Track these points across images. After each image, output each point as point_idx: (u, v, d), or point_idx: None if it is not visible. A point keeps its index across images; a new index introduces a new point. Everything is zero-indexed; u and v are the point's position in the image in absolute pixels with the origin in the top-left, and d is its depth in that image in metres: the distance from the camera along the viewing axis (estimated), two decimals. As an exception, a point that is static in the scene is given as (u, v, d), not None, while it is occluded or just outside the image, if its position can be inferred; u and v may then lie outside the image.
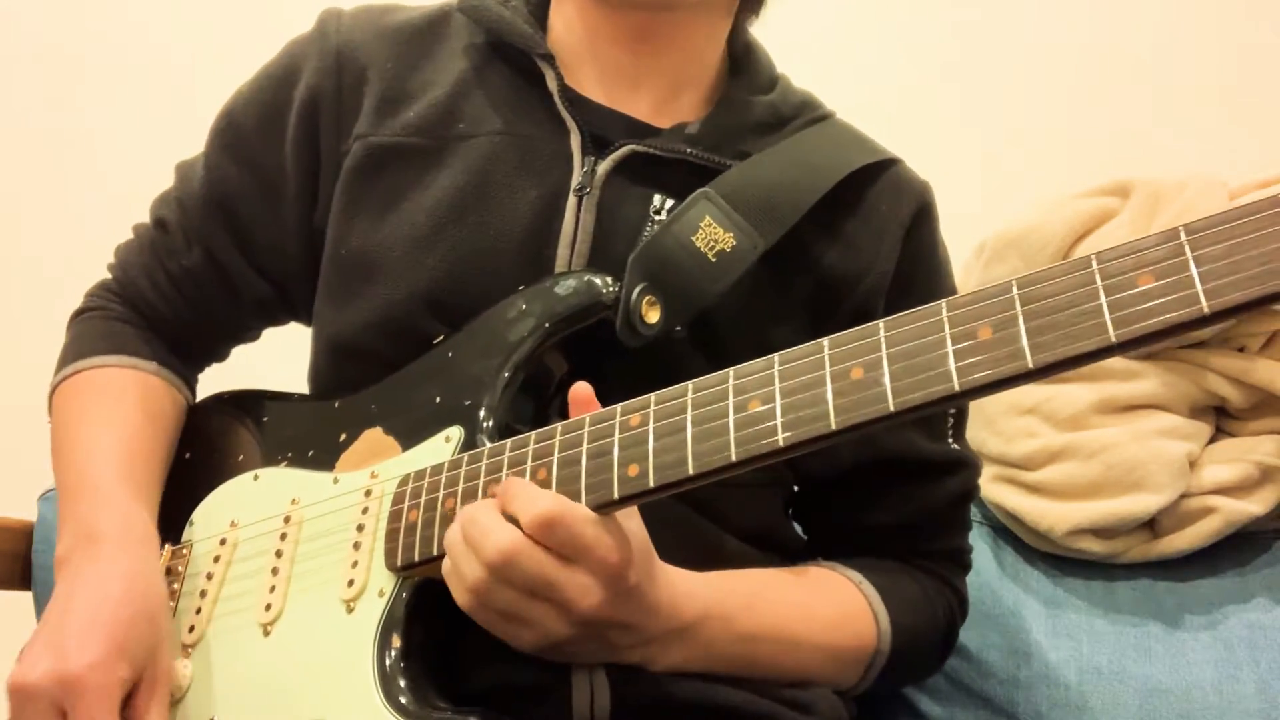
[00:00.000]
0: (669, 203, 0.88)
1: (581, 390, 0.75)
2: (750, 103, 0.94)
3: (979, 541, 1.23)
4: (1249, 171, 1.20)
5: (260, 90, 0.99)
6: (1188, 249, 0.55)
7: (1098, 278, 0.57)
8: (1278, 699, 1.05)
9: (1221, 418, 1.22)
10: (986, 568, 1.21)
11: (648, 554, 0.73)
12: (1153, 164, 1.28)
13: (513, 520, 0.69)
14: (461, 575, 0.71)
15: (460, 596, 0.72)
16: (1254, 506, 1.15)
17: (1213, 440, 1.21)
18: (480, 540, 0.69)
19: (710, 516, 0.87)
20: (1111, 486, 1.16)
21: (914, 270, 0.94)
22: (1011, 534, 1.24)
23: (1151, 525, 1.18)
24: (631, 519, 0.72)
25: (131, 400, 0.97)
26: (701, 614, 0.78)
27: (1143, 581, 1.17)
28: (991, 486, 1.25)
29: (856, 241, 0.92)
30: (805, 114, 0.97)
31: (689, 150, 0.89)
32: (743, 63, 0.98)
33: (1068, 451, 1.20)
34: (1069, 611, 1.16)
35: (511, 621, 0.72)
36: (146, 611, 0.81)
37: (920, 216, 0.95)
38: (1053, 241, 1.24)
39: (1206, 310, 0.53)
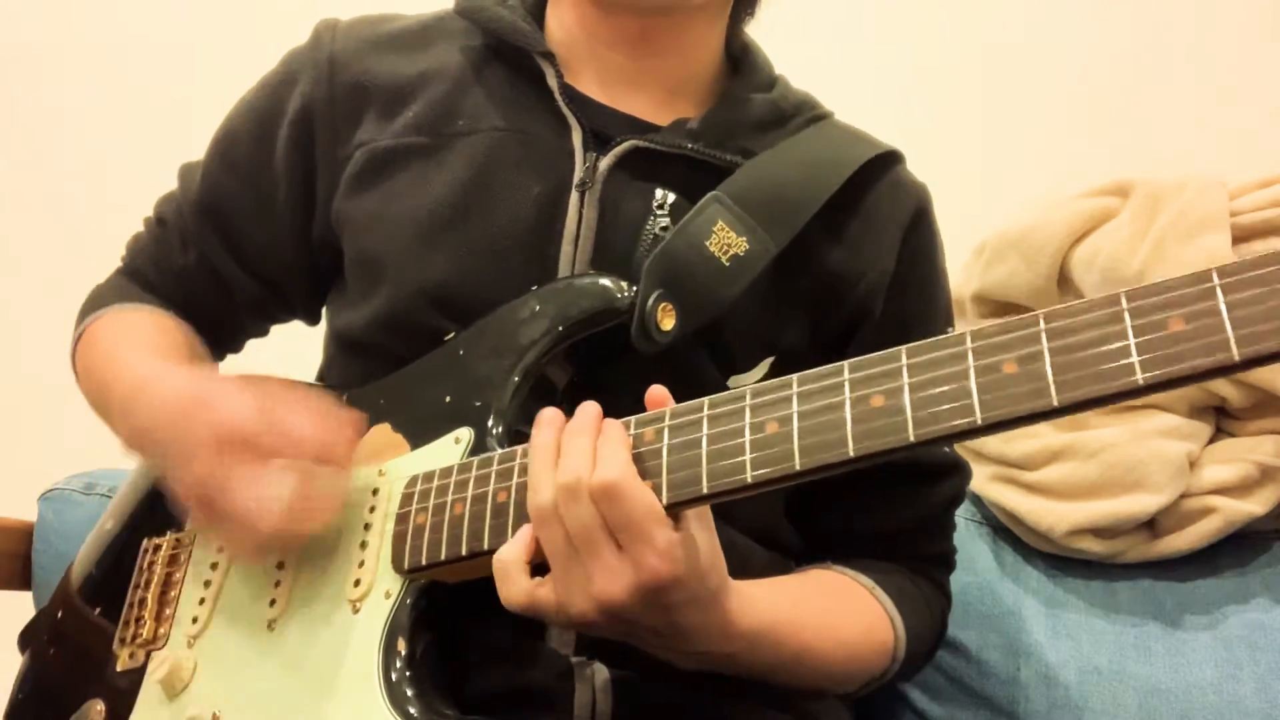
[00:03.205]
0: (671, 198, 0.89)
1: (657, 392, 0.72)
2: (750, 100, 0.95)
3: (979, 541, 1.24)
4: (1249, 171, 1.20)
5: (256, 100, 1.01)
6: (1219, 293, 0.53)
7: (1127, 317, 0.55)
8: (1278, 699, 1.05)
9: (1221, 417, 1.22)
10: (986, 568, 1.21)
11: (706, 578, 0.69)
12: (1153, 164, 1.28)
13: None
14: (534, 489, 0.68)
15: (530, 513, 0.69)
16: (1254, 506, 1.15)
17: (1213, 440, 1.21)
18: (565, 456, 0.67)
19: (719, 513, 0.87)
20: (1111, 486, 1.16)
21: (911, 273, 0.95)
22: (1011, 534, 1.24)
23: (1151, 525, 1.18)
24: (707, 541, 0.69)
25: (147, 323, 1.00)
26: (749, 645, 0.75)
27: (1143, 581, 1.17)
28: (991, 486, 1.25)
29: (858, 242, 0.93)
30: (805, 112, 0.97)
31: (690, 145, 0.89)
32: (741, 62, 0.99)
33: (1067, 451, 1.20)
34: (1069, 611, 1.16)
35: (557, 578, 0.68)
36: (225, 377, 0.83)
37: (918, 219, 0.96)
38: (1053, 241, 1.24)
39: (1237, 358, 0.52)
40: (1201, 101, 1.57)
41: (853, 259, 0.92)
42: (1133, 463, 1.16)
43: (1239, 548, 1.17)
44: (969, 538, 1.24)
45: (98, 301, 1.04)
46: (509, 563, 0.70)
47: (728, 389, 0.70)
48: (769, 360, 0.87)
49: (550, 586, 0.68)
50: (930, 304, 0.97)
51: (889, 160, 0.96)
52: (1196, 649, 1.10)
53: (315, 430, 0.76)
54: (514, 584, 0.69)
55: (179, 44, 1.91)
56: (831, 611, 0.87)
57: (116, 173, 1.65)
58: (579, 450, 0.67)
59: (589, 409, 0.70)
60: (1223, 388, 1.18)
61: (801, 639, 0.81)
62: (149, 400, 0.83)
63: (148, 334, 0.98)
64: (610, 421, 0.70)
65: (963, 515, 1.26)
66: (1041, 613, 1.16)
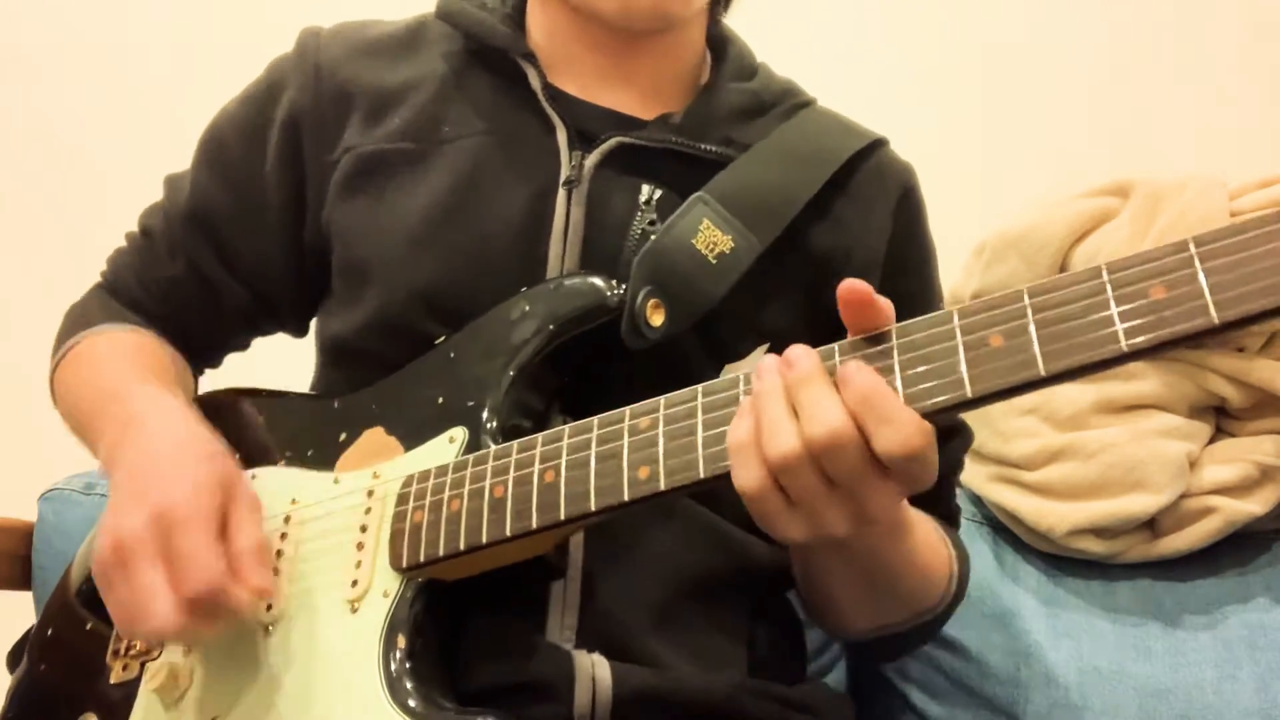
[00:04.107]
0: (658, 193, 0.90)
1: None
2: (731, 90, 0.96)
3: (979, 541, 1.24)
4: (1249, 171, 1.20)
5: (243, 109, 1.01)
6: (1197, 261, 0.55)
7: (1109, 288, 0.57)
8: (1277, 699, 1.05)
9: (1221, 418, 1.22)
10: (986, 567, 1.21)
11: None
12: (1153, 164, 1.28)
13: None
14: (767, 444, 0.63)
15: (748, 471, 0.64)
16: (1254, 506, 1.15)
17: (1212, 440, 1.21)
18: (811, 410, 0.62)
19: (711, 506, 0.87)
20: (1111, 486, 1.17)
21: (906, 252, 0.96)
22: (1011, 534, 1.24)
23: (1151, 525, 1.18)
24: None
25: (134, 346, 0.99)
26: (888, 530, 0.79)
27: (1143, 581, 1.18)
28: (991, 486, 1.25)
29: (846, 221, 0.93)
30: (787, 100, 0.98)
31: (674, 139, 0.91)
32: (721, 53, 1.00)
33: (1067, 451, 1.20)
34: (1069, 611, 1.16)
35: (793, 511, 0.64)
36: (212, 451, 0.81)
37: (906, 197, 0.97)
38: (1053, 241, 1.24)
39: (1217, 321, 0.54)
40: (1201, 101, 1.57)
41: (841, 237, 0.93)
42: (1133, 463, 1.16)
43: (1239, 548, 1.17)
44: (969, 538, 1.23)
45: (80, 321, 1.03)
46: (749, 447, 0.64)
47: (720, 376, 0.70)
48: (764, 346, 0.87)
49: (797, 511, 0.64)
50: (927, 282, 0.99)
51: (873, 145, 0.97)
52: (1196, 649, 1.10)
53: (253, 552, 0.76)
54: (754, 470, 0.64)
55: (177, 46, 1.91)
56: (920, 528, 0.88)
57: (116, 175, 1.65)
58: (820, 396, 0.62)
59: (807, 357, 0.65)
60: (1223, 388, 1.18)
61: (914, 539, 0.84)
62: (135, 440, 0.82)
63: (135, 358, 0.97)
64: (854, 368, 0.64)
65: (963, 515, 1.26)
66: (1041, 613, 1.16)
